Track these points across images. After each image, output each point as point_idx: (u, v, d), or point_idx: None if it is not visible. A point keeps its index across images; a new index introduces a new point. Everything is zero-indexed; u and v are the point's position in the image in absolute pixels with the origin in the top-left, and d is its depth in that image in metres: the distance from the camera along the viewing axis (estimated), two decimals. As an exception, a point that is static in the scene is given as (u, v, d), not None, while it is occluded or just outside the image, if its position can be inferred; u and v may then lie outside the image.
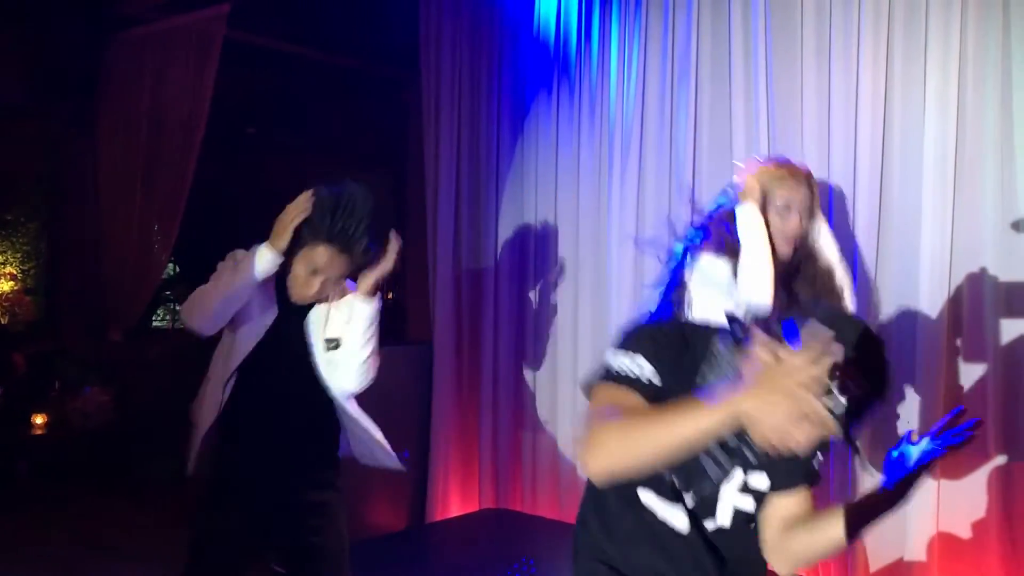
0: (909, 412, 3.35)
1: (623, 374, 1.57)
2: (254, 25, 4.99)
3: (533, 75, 4.58)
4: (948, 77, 3.27)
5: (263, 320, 2.51)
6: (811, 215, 2.68)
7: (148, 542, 4.17)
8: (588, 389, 1.62)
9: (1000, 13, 3.18)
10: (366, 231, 2.47)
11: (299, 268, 2.47)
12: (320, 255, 2.44)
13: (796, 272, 2.68)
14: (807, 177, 2.71)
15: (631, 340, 1.63)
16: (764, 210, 2.61)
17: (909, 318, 3.36)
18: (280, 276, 2.51)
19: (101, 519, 4.59)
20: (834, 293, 2.71)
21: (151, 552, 3.97)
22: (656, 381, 1.55)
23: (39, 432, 5.24)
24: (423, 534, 4.42)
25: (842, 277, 2.75)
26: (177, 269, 7.33)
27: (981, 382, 3.22)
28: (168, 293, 7.45)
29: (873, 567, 3.41)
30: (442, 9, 4.77)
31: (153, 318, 7.23)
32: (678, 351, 1.60)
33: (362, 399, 4.46)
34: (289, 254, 2.46)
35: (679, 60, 4.02)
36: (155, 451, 5.46)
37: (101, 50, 5.23)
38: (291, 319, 2.54)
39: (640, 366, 1.56)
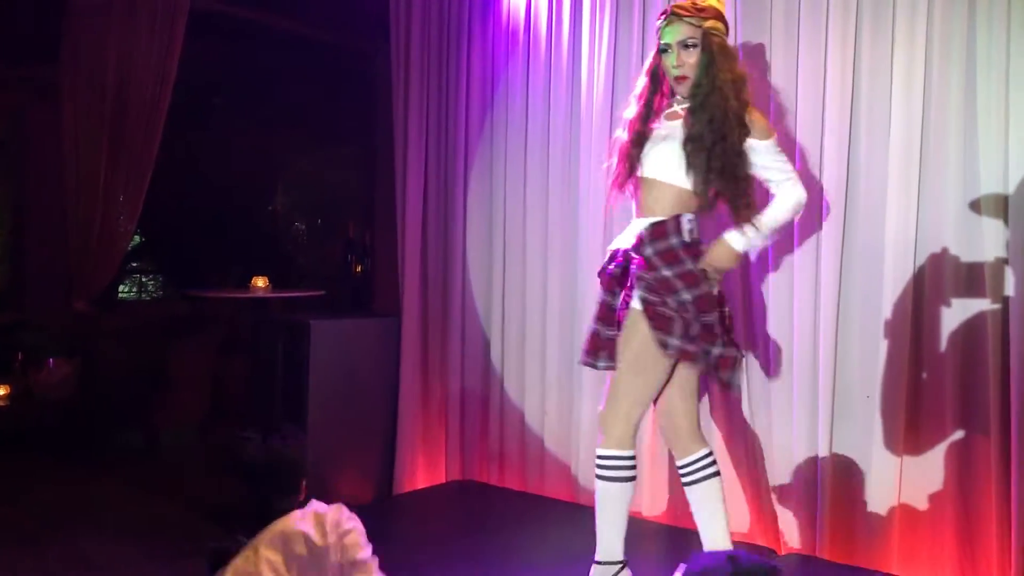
0: (872, 388, 3.42)
1: None
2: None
3: (503, 49, 4.57)
4: (914, 61, 3.31)
5: None
6: (697, 48, 2.83)
7: (112, 513, 4.16)
8: None
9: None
10: None
11: None
12: None
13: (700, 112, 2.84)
14: (685, 13, 2.84)
15: None
16: (656, 56, 2.92)
17: (874, 297, 3.42)
18: None
19: (65, 491, 4.56)
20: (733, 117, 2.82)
21: (115, 523, 3.97)
22: None
23: (1, 403, 5.20)
24: (390, 506, 4.45)
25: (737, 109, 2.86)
26: (143, 239, 7.26)
27: (942, 360, 3.29)
28: (134, 264, 7.39)
29: (836, 538, 3.48)
30: (412, -20, 4.74)
31: (119, 290, 7.17)
32: None
33: (330, 371, 4.48)
34: None
35: (650, 41, 4.01)
36: (119, 422, 5.44)
37: (64, 17, 5.14)
38: None
39: None
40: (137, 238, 6.95)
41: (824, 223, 3.50)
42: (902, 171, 3.33)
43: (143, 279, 7.76)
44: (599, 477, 2.92)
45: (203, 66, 5.50)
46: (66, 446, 5.24)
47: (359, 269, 6.29)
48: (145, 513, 4.15)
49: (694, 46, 2.83)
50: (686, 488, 2.99)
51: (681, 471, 3.00)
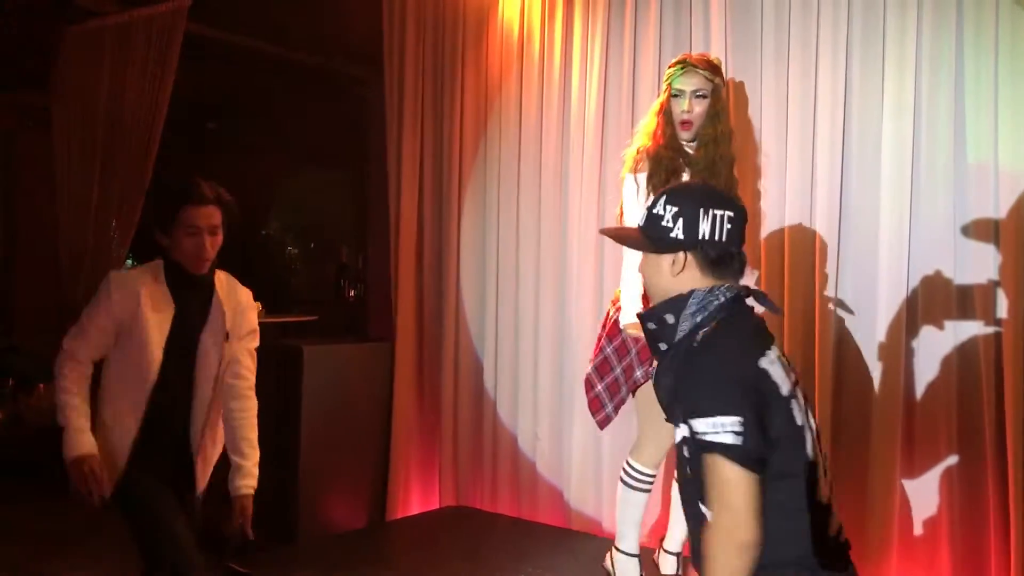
0: (866, 410, 3.41)
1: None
2: (216, 20, 4.95)
3: (497, 74, 4.59)
4: (904, 86, 3.34)
5: (161, 326, 2.76)
6: (706, 99, 3.02)
7: (102, 540, 4.12)
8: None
9: (953, 21, 3.25)
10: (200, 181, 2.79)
11: (180, 241, 2.74)
12: (188, 215, 2.72)
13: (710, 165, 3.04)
14: (701, 66, 3.03)
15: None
16: (668, 98, 3.05)
17: (868, 319, 3.42)
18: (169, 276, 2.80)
19: (55, 517, 4.53)
20: (729, 180, 3.06)
21: (105, 550, 3.93)
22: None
23: (-8, 430, 5.17)
24: (384, 532, 4.42)
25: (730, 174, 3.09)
26: (135, 264, 7.24)
27: (936, 382, 3.29)
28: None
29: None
30: (405, 7, 4.77)
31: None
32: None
33: (323, 396, 4.47)
34: (164, 241, 2.77)
35: (640, 63, 4.05)
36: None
37: (57, 42, 5.15)
38: (189, 309, 2.81)
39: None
40: (129, 262, 6.92)
41: (817, 248, 3.51)
42: (894, 195, 3.35)
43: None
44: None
45: (197, 91, 5.51)
46: (57, 472, 5.19)
47: (352, 294, 6.28)
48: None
49: (703, 96, 3.02)
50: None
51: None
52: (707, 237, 1.86)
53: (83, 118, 5.05)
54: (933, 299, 3.30)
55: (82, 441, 2.63)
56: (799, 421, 1.79)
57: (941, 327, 3.29)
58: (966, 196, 3.24)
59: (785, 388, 1.79)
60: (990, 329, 3.17)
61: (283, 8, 4.97)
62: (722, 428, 1.70)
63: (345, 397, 4.56)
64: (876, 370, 3.39)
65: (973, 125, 3.22)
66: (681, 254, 1.88)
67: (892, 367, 3.34)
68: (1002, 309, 3.15)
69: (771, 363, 1.79)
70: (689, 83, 3.01)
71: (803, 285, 3.54)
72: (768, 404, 1.74)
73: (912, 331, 3.34)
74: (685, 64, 3.05)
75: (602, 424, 3.18)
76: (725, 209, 1.88)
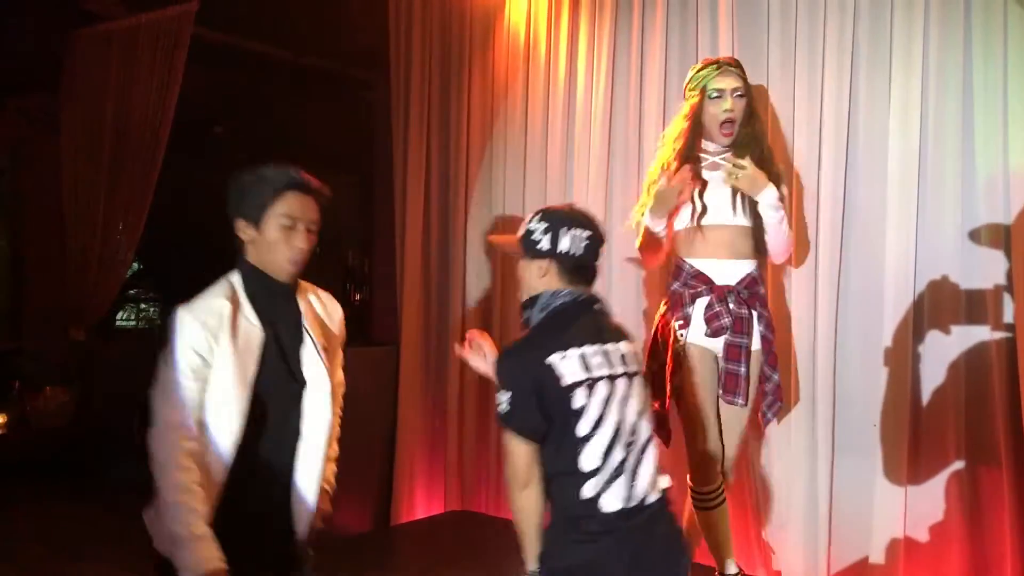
0: (874, 415, 3.39)
1: None
2: (222, 24, 4.95)
3: (503, 76, 4.59)
4: (911, 93, 3.32)
5: (247, 360, 2.14)
6: (744, 98, 3.06)
7: (108, 542, 4.12)
8: None
9: (961, 27, 3.24)
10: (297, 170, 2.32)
11: (272, 233, 2.20)
12: (287, 203, 2.23)
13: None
14: (733, 66, 3.08)
15: None
16: (702, 102, 3.06)
17: (874, 325, 3.40)
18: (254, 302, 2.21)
19: (61, 519, 4.53)
20: (774, 173, 3.06)
21: (111, 552, 3.93)
22: None
23: (-1, 432, 5.18)
24: (389, 536, 4.41)
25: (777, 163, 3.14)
26: (140, 267, 7.25)
27: (943, 388, 3.27)
28: (132, 292, 7.37)
29: (837, 568, 3.44)
30: (411, 10, 4.77)
31: (117, 318, 7.15)
32: None
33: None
34: (247, 234, 2.23)
35: (647, 66, 4.03)
36: (116, 451, 5.41)
37: (65, 46, 5.16)
38: (284, 329, 2.24)
39: None
40: (136, 265, 6.94)
41: (821, 253, 3.49)
42: (901, 202, 3.33)
43: (141, 305, 7.74)
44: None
45: (203, 94, 5.52)
46: (62, 475, 5.20)
47: (358, 297, 6.28)
48: (142, 541, 4.11)
49: (742, 96, 3.05)
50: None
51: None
52: (566, 251, 2.19)
53: (91, 121, 5.07)
54: (941, 305, 3.28)
55: (200, 557, 1.99)
56: (577, 405, 2.09)
57: (949, 333, 3.27)
58: (974, 202, 3.22)
59: (570, 379, 2.10)
60: (1000, 335, 3.15)
61: (289, 12, 4.97)
62: (502, 400, 2.18)
63: (350, 401, 4.54)
64: (883, 376, 3.37)
65: (982, 131, 3.20)
66: (545, 262, 2.21)
67: (899, 373, 3.32)
68: (1010, 315, 3.13)
69: (563, 359, 2.12)
70: (728, 83, 3.04)
71: (806, 289, 3.53)
72: (544, 391, 2.12)
73: (919, 337, 3.31)
74: (719, 64, 3.07)
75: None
76: (584, 230, 2.23)
